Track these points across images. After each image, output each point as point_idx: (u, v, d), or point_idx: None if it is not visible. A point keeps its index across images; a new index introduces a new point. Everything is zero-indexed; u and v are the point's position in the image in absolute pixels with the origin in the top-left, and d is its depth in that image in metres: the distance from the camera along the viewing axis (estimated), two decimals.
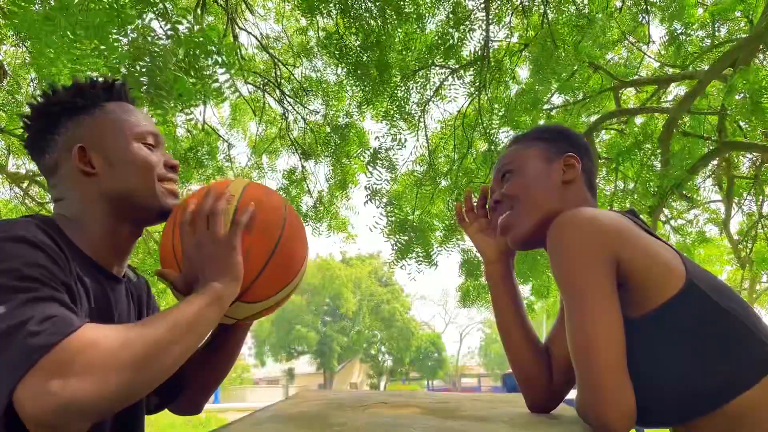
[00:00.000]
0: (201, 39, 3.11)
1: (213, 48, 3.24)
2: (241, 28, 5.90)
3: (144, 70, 2.98)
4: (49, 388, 0.67)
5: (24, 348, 0.69)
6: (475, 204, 1.32)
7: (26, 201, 6.59)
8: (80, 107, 0.99)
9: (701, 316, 0.89)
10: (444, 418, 0.92)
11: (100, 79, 1.02)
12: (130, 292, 1.07)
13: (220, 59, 3.34)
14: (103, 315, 0.95)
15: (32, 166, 7.18)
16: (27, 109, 1.02)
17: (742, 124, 5.31)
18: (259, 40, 6.06)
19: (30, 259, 0.78)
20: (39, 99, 1.00)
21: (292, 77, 6.19)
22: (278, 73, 6.08)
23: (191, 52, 3.15)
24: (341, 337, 39.34)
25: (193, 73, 3.34)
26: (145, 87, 2.99)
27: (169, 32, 3.13)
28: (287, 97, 6.01)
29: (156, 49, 3.06)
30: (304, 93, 6.08)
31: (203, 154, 6.05)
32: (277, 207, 1.04)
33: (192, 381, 1.18)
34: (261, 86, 6.13)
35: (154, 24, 3.30)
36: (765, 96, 4.08)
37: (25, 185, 6.37)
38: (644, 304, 0.91)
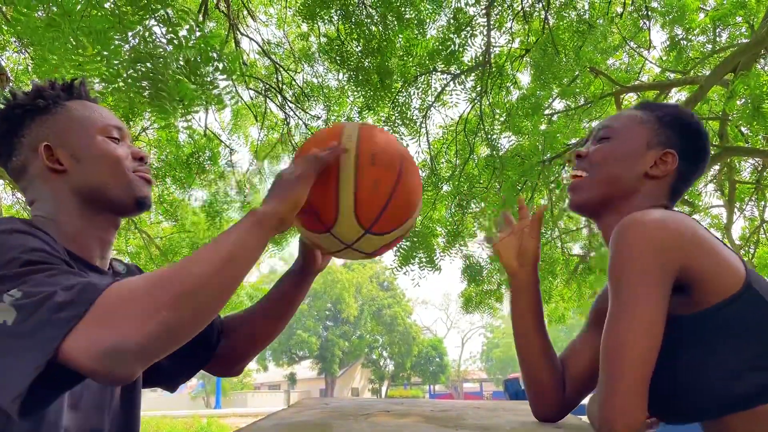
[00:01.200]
0: (202, 45, 3.12)
1: (214, 54, 3.25)
2: (243, 34, 5.92)
3: (146, 74, 2.99)
4: (95, 338, 0.69)
5: (60, 313, 0.70)
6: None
7: (28, 207, 6.59)
8: (42, 108, 1.00)
9: (755, 318, 0.90)
10: (446, 427, 0.92)
11: (59, 81, 1.03)
12: None
13: (221, 65, 3.35)
14: None
15: None
16: None
17: (743, 129, 5.31)
18: (260, 46, 6.07)
19: (28, 245, 0.80)
20: (0, 104, 1.01)
21: (294, 83, 6.20)
22: (280, 78, 6.09)
23: (192, 59, 3.15)
24: (343, 342, 39.30)
25: (193, 79, 3.35)
26: (147, 92, 3.00)
27: (170, 37, 3.13)
28: (289, 102, 6.02)
29: (157, 53, 3.06)
30: (306, 98, 6.09)
31: (205, 159, 6.06)
32: (393, 141, 1.11)
33: (244, 327, 1.20)
34: (263, 92, 6.14)
35: (156, 30, 3.29)
36: (766, 101, 4.08)
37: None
38: (700, 303, 0.91)
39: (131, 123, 5.19)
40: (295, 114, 6.13)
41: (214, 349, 1.19)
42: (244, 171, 6.67)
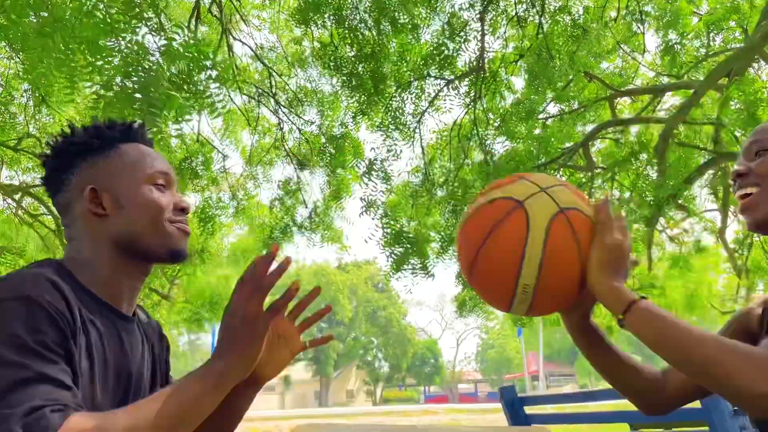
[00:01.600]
0: (195, 54, 3.09)
1: (207, 63, 3.22)
2: (235, 39, 5.89)
3: (137, 86, 2.96)
4: None
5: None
6: None
7: (19, 212, 6.55)
8: (96, 148, 1.00)
9: None
10: None
11: (119, 121, 1.03)
12: (143, 332, 1.06)
13: (213, 74, 3.33)
14: (117, 355, 0.95)
15: (25, 177, 7.15)
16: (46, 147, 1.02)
17: (737, 133, 5.32)
18: (253, 50, 6.05)
19: (30, 323, 0.79)
20: (58, 138, 1.00)
21: (287, 87, 6.18)
22: (273, 82, 6.07)
23: (185, 67, 3.12)
24: (337, 344, 39.31)
25: (186, 88, 3.32)
26: (138, 104, 2.96)
27: (162, 47, 3.10)
28: (282, 107, 5.99)
29: (148, 65, 3.03)
30: (299, 103, 6.06)
31: (198, 164, 6.03)
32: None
33: None
34: (256, 96, 6.11)
35: (148, 38, 3.26)
36: (760, 107, 4.09)
37: (17, 197, 6.33)
38: None
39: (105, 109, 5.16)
40: (288, 119, 6.11)
41: None
42: (237, 176, 6.64)
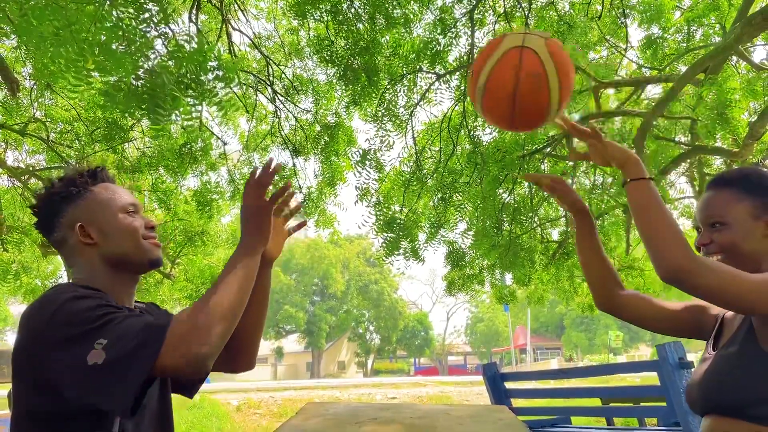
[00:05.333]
0: (202, 57, 3.31)
1: (212, 64, 3.44)
2: (234, 29, 6.07)
3: (145, 88, 3.18)
4: (182, 352, 1.05)
5: (148, 340, 1.04)
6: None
7: (25, 193, 6.76)
8: (74, 194, 1.29)
9: None
10: None
11: (85, 170, 1.34)
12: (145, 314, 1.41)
13: (219, 74, 3.55)
14: None
15: (29, 160, 7.35)
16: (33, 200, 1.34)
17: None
18: (251, 40, 6.23)
19: (90, 304, 1.09)
20: (42, 191, 1.31)
21: (284, 76, 6.38)
22: (270, 71, 6.26)
23: (192, 69, 3.34)
24: (329, 317, 39.80)
25: (193, 87, 3.55)
26: (145, 104, 3.19)
27: (172, 51, 3.32)
28: (279, 95, 6.20)
29: (157, 68, 3.25)
30: (295, 92, 6.27)
31: (197, 150, 6.25)
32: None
33: (241, 333, 1.48)
34: (254, 84, 6.31)
35: (156, 42, 3.46)
36: (729, 108, 4.37)
37: (24, 178, 6.55)
38: None
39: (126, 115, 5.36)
40: (284, 107, 6.33)
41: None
42: (234, 161, 6.87)
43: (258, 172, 1.32)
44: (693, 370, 1.45)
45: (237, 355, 1.51)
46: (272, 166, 1.32)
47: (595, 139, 1.40)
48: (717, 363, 1.33)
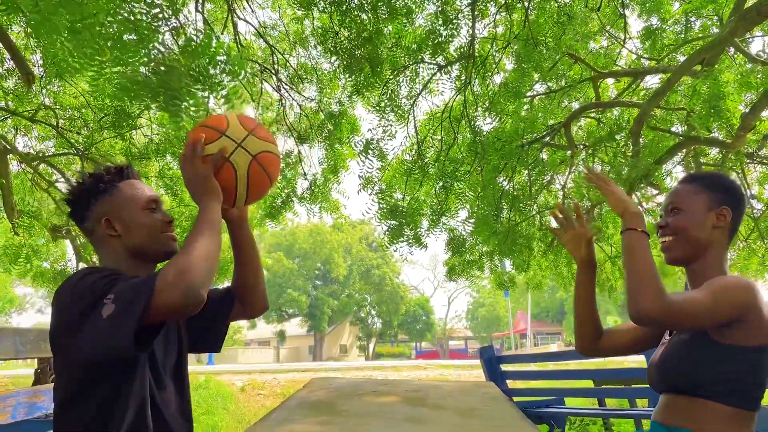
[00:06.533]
0: (212, 53, 3.43)
1: (221, 59, 3.57)
2: (240, 18, 6.18)
3: (162, 82, 3.32)
4: (175, 289, 1.19)
5: (141, 287, 1.20)
6: (567, 214, 1.79)
7: (35, 178, 6.92)
8: (102, 191, 1.47)
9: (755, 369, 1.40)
10: (413, 405, 1.38)
11: (114, 167, 1.51)
12: None
13: (227, 68, 3.68)
14: None
15: (40, 146, 7.50)
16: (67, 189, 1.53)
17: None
18: (256, 29, 6.34)
19: (102, 274, 1.29)
20: (74, 186, 1.49)
21: (288, 64, 6.49)
22: (275, 59, 6.38)
23: (203, 64, 3.47)
24: (332, 301, 40.10)
25: (201, 80, 3.68)
26: (161, 97, 3.33)
27: (183, 46, 3.44)
28: (284, 84, 6.33)
29: (170, 61, 3.38)
30: (300, 80, 6.39)
31: None
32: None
33: (244, 282, 1.69)
34: (259, 73, 6.43)
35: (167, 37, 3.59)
36: (723, 100, 4.49)
37: (35, 164, 6.70)
38: (738, 340, 1.38)
39: (132, 102, 5.50)
40: (289, 95, 6.46)
41: (232, 300, 1.70)
42: None
43: (188, 149, 1.44)
44: (653, 352, 1.62)
45: (249, 302, 1.71)
46: (195, 141, 1.44)
47: (600, 187, 1.59)
48: (672, 348, 1.50)
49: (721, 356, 1.38)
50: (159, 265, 1.54)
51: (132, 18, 3.60)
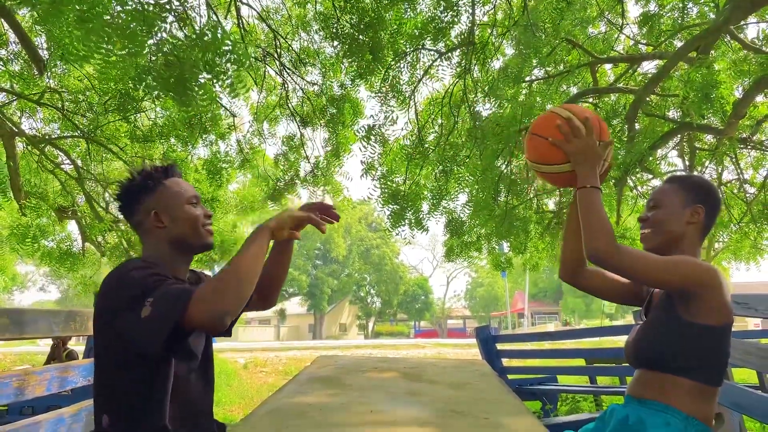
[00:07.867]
0: (217, 42, 3.54)
1: (226, 48, 3.68)
2: (243, 3, 6.24)
3: (175, 73, 3.44)
4: (205, 310, 1.29)
5: (177, 301, 1.31)
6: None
7: (41, 160, 7.04)
8: (150, 187, 1.62)
9: (715, 347, 1.57)
10: (411, 381, 1.53)
11: (160, 167, 1.65)
12: (191, 284, 1.71)
13: (233, 57, 3.79)
14: None
15: (46, 129, 7.61)
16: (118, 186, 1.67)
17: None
18: (259, 13, 6.41)
19: (149, 272, 1.42)
20: (124, 182, 1.63)
21: (291, 48, 6.57)
22: (278, 43, 6.46)
23: (210, 56, 3.58)
24: (331, 280, 40.42)
25: (207, 69, 3.80)
26: (174, 88, 3.46)
27: (192, 39, 3.55)
28: (287, 68, 6.42)
29: (179, 52, 3.50)
30: (302, 65, 6.48)
31: (207, 120, 6.50)
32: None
33: (269, 283, 1.87)
34: (262, 57, 6.52)
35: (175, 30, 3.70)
36: (715, 89, 4.60)
37: (42, 146, 6.81)
38: (695, 316, 1.54)
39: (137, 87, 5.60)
40: (292, 79, 6.55)
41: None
42: (244, 132, 7.12)
43: (310, 213, 1.63)
44: (630, 330, 1.77)
45: (265, 297, 1.89)
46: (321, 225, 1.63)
47: (564, 133, 1.70)
48: (646, 326, 1.66)
49: (688, 334, 1.54)
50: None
51: (140, 8, 3.71)
